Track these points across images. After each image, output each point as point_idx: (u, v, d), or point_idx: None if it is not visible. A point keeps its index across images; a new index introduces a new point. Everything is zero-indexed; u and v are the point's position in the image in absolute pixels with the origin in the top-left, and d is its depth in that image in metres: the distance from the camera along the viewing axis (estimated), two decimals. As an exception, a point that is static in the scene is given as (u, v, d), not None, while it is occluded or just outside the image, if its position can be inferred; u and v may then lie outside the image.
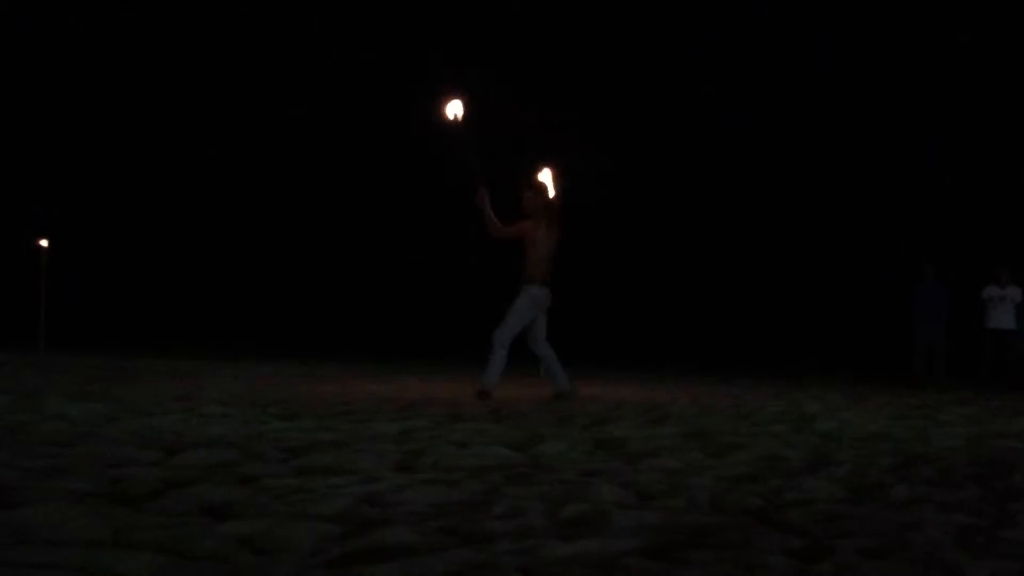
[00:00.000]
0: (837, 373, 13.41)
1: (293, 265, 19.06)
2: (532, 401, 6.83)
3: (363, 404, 6.00)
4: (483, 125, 7.18)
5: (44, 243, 13.96)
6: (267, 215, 18.81)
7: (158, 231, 18.93)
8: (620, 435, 4.56)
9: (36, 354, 12.59)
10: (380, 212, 18.57)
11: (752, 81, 17.31)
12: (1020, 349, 12.05)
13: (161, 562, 1.94)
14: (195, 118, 18.62)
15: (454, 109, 6.96)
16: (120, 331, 17.20)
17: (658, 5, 17.19)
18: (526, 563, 2.03)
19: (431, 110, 7.02)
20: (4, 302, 16.86)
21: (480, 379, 6.99)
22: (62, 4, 17.48)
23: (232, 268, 19.02)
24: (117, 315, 18.16)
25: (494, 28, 17.16)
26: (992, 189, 16.47)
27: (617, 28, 17.30)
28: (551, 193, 7.18)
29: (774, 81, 17.23)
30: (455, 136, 6.93)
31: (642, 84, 17.25)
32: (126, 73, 18.19)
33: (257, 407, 5.48)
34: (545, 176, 7.20)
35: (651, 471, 3.40)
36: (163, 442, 3.73)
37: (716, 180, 17.46)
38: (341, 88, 18.22)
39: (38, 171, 18.10)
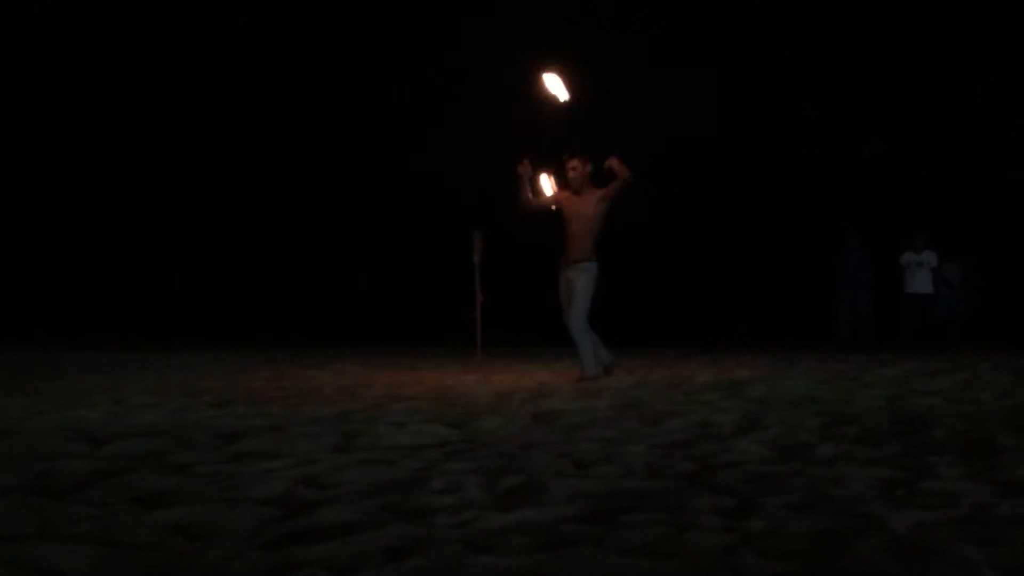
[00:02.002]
0: (766, 340, 13.76)
1: (228, 252, 18.64)
2: (469, 381, 6.84)
3: (299, 389, 5.93)
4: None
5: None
6: (201, 201, 18.31)
7: (85, 220, 18.27)
8: (556, 408, 4.61)
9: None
10: (316, 197, 18.26)
11: (676, 46, 17.38)
12: (938, 312, 12.53)
13: (93, 553, 1.89)
14: (124, 98, 17.93)
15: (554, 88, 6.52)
16: (43, 325, 16.63)
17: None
18: (465, 535, 2.05)
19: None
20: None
21: (581, 370, 6.61)
22: None
23: (164, 257, 18.53)
24: (40, 309, 17.55)
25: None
26: (911, 159, 17.02)
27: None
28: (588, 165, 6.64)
29: (698, 45, 17.36)
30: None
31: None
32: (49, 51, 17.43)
33: (188, 396, 5.38)
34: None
35: (587, 441, 3.45)
36: (90, 434, 3.64)
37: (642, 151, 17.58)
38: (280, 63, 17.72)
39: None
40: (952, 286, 12.78)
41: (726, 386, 6.01)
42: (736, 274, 17.53)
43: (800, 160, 17.51)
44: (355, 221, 18.26)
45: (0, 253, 17.16)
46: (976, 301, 13.02)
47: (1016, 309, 14.38)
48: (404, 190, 17.38)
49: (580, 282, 6.53)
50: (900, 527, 2.11)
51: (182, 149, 18.21)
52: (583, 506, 2.31)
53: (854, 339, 12.18)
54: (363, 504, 2.34)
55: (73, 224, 18.27)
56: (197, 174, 18.37)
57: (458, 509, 2.29)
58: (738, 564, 1.82)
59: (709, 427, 3.88)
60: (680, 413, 4.36)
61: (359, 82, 17.73)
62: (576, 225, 6.59)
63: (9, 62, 17.25)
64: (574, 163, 6.62)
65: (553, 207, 6.79)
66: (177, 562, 1.85)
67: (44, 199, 18.07)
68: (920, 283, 12.30)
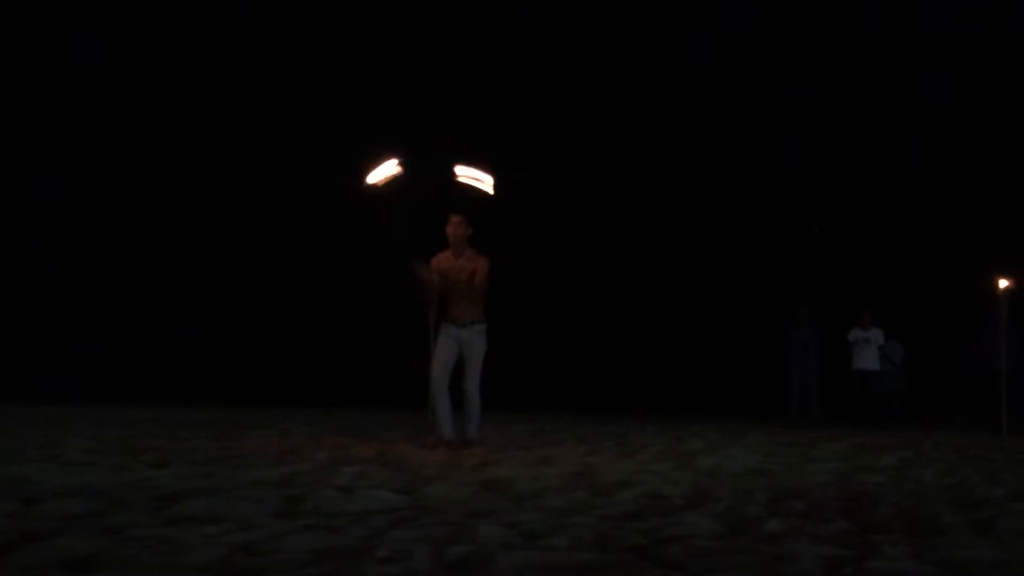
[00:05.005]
0: (717, 412, 13.83)
1: (174, 303, 18.28)
2: (419, 445, 6.75)
3: (243, 450, 5.79)
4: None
5: None
6: (144, 246, 17.95)
7: (29, 267, 17.78)
8: (506, 476, 4.56)
9: None
10: (269, 255, 18.07)
11: (620, 125, 17.72)
12: (883, 389, 12.76)
13: (14, 620, 1.81)
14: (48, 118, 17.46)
15: (384, 172, 6.32)
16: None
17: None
18: (408, 607, 2.00)
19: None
20: None
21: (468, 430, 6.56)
22: None
23: (107, 306, 18.10)
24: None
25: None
26: (859, 238, 17.53)
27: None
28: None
29: (643, 122, 17.71)
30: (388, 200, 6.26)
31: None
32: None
33: (127, 454, 5.21)
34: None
35: (537, 511, 3.41)
36: (21, 492, 3.49)
37: (591, 222, 17.74)
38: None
39: None
40: (895, 364, 13.06)
41: (677, 457, 6.01)
42: (687, 344, 17.69)
43: (752, 233, 17.89)
44: (310, 280, 18.11)
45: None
46: (906, 385, 13.35)
47: (958, 387, 14.71)
48: (362, 252, 17.32)
49: (479, 345, 6.48)
50: (846, 606, 2.10)
51: (126, 200, 17.87)
52: (530, 579, 2.27)
53: (801, 413, 12.31)
54: (304, 573, 2.28)
55: (17, 273, 17.80)
56: (141, 225, 18.04)
57: (402, 580, 2.24)
58: (685, 642, 1.80)
59: (659, 499, 3.87)
60: (630, 484, 4.35)
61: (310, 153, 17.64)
62: (462, 287, 6.45)
63: None
64: (457, 219, 6.48)
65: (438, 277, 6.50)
66: (105, 632, 1.77)
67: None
68: (867, 360, 12.54)
